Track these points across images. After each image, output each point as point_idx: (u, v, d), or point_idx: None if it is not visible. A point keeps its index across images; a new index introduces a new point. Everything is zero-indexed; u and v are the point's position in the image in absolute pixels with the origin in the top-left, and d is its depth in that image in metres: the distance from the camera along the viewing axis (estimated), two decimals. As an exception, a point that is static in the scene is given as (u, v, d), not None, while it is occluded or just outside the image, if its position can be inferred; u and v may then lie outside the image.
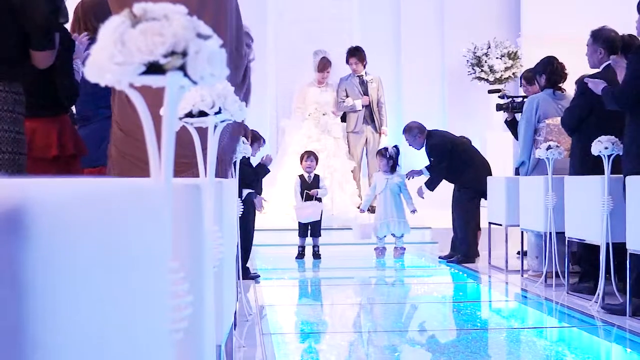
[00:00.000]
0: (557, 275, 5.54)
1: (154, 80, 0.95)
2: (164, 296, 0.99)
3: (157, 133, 0.98)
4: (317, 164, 7.63)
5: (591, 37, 5.29)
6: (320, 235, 7.43)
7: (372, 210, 8.22)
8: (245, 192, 5.84)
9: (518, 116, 6.90)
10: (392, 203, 7.52)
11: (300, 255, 7.43)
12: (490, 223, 6.90)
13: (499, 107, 7.35)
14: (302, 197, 7.37)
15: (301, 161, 7.67)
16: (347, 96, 9.05)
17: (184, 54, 0.94)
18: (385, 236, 7.55)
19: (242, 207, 4.47)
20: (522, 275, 6.20)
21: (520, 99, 7.14)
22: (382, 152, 7.69)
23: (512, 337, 4.21)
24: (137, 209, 0.79)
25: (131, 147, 2.39)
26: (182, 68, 0.94)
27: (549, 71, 6.20)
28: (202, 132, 1.74)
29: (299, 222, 7.40)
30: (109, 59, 0.91)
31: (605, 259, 4.67)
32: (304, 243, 7.45)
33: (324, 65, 9.07)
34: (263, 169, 6.44)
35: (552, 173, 5.51)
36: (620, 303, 4.57)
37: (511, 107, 7.08)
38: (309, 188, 7.44)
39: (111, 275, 0.66)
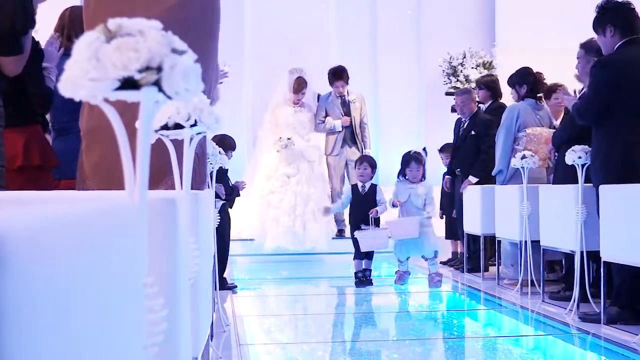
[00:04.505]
0: (532, 284, 5.58)
1: (128, 96, 0.95)
2: (140, 312, 0.99)
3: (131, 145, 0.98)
4: (373, 171, 6.45)
5: (582, 49, 5.18)
6: (372, 258, 6.39)
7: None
8: (220, 203, 5.61)
9: None
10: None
11: (360, 281, 6.32)
12: (465, 233, 6.93)
13: (454, 109, 7.87)
14: (370, 222, 6.19)
15: (354, 168, 6.76)
16: (326, 116, 8.38)
17: (159, 69, 0.94)
18: (408, 258, 6.36)
19: (219, 217, 4.45)
20: (498, 284, 6.24)
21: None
22: (417, 157, 6.27)
23: (488, 346, 4.23)
24: (112, 228, 0.79)
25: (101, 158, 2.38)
26: (157, 83, 0.94)
27: (531, 81, 6.25)
28: (178, 144, 1.74)
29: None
30: (83, 75, 0.90)
31: (580, 267, 4.72)
32: (362, 266, 6.38)
33: (299, 85, 8.26)
34: (236, 191, 6.03)
35: (528, 182, 5.55)
36: (596, 313, 4.58)
37: None
38: (364, 200, 6.28)
39: (87, 295, 0.66)
